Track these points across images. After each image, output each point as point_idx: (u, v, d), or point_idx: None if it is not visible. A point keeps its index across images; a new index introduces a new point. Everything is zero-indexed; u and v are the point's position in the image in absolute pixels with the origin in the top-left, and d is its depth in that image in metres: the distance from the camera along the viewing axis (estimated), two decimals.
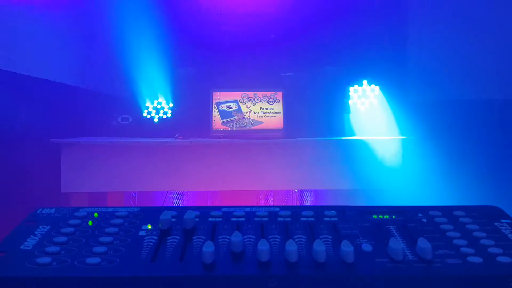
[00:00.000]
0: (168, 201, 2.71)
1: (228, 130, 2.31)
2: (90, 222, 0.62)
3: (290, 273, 0.51)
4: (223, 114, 2.34)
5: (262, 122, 2.33)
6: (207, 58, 2.56)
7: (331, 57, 2.51)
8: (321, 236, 0.59)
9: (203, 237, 0.58)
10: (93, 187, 1.99)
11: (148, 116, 2.25)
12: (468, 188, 2.15)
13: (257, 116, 2.34)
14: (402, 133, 2.17)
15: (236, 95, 2.36)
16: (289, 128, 2.33)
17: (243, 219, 0.64)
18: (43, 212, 0.66)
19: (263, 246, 0.52)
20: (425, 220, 0.63)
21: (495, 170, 2.29)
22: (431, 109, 2.38)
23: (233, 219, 0.64)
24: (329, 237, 0.59)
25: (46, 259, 0.52)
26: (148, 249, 0.56)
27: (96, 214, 0.65)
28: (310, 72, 2.54)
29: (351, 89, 2.30)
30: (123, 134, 2.20)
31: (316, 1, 2.62)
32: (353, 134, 2.23)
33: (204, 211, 0.65)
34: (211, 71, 2.55)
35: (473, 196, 2.11)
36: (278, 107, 2.35)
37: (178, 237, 0.58)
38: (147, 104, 2.28)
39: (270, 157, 2.02)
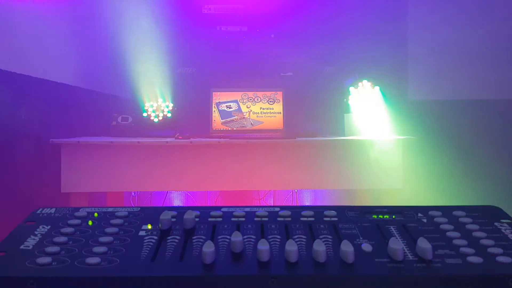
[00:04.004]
0: (168, 201, 2.71)
1: (228, 130, 2.31)
2: (90, 222, 0.62)
3: (290, 273, 0.51)
4: (223, 114, 2.34)
5: (262, 122, 2.34)
6: (207, 58, 2.56)
7: (331, 57, 2.51)
8: (321, 236, 0.59)
9: (203, 237, 0.58)
10: (93, 187, 1.99)
11: (148, 116, 2.25)
12: (468, 188, 2.15)
13: (257, 116, 2.34)
14: (402, 133, 2.17)
15: (236, 95, 2.36)
16: (289, 128, 2.33)
17: (243, 219, 0.64)
18: (43, 212, 0.66)
19: (263, 246, 0.52)
20: (425, 220, 0.63)
21: (495, 170, 2.29)
22: (431, 109, 2.38)
23: (233, 219, 0.64)
24: (329, 237, 0.59)
25: (46, 259, 0.52)
26: (148, 249, 0.56)
27: (96, 214, 0.65)
28: (310, 72, 2.54)
29: (351, 89, 2.30)
30: (123, 134, 2.20)
31: (316, 1, 2.62)
32: (353, 134, 2.23)
33: (204, 211, 0.65)
34: (211, 71, 2.55)
35: (473, 196, 2.11)
36: (278, 107, 2.35)
37: (178, 237, 0.58)
38: (147, 104, 2.28)
39: (270, 157, 2.02)
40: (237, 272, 0.51)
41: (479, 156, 2.30)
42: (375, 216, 0.64)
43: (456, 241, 0.57)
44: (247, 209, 0.66)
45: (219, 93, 2.37)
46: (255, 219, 0.64)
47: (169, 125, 2.25)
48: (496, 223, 0.62)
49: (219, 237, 0.58)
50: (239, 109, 2.35)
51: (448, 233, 0.59)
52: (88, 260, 0.52)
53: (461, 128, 2.32)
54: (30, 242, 0.57)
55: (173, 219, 0.62)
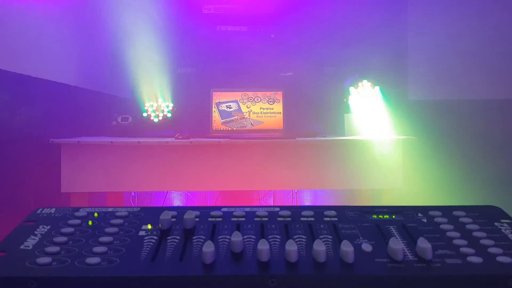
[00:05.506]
0: (168, 201, 2.71)
1: (228, 130, 2.31)
2: (90, 222, 0.62)
3: (290, 273, 0.51)
4: (223, 114, 2.34)
5: (262, 122, 2.34)
6: (207, 58, 2.56)
7: (331, 57, 2.51)
8: (321, 236, 0.59)
9: (203, 237, 0.58)
10: (93, 187, 1.99)
11: (148, 116, 2.25)
12: (468, 188, 2.15)
13: (257, 116, 2.34)
14: (402, 133, 2.17)
15: (236, 95, 2.36)
16: (289, 128, 2.33)
17: (243, 219, 0.64)
18: (43, 212, 0.66)
19: (263, 246, 0.52)
20: (425, 220, 0.63)
21: (495, 170, 2.29)
22: (431, 109, 2.39)
23: (233, 219, 0.64)
24: (329, 237, 0.59)
25: (46, 259, 0.52)
26: (148, 249, 0.56)
27: (96, 214, 0.65)
28: (310, 72, 2.53)
29: (351, 89, 2.30)
30: (123, 134, 2.20)
31: (316, 1, 2.62)
32: (353, 134, 2.23)
33: (204, 211, 0.65)
34: (211, 71, 2.55)
35: (473, 196, 2.11)
36: (278, 107, 2.35)
37: (178, 237, 0.58)
38: (147, 104, 2.28)
39: (270, 157, 2.02)
40: (237, 272, 0.51)
41: (479, 156, 2.30)
42: (375, 216, 0.64)
43: (456, 241, 0.57)
44: (247, 209, 0.66)
45: (219, 93, 2.37)
46: (255, 219, 0.64)
47: (169, 125, 2.25)
48: (496, 223, 0.62)
49: (219, 237, 0.58)
50: (239, 109, 2.35)
51: (448, 233, 0.59)
52: (88, 260, 0.52)
53: (461, 128, 2.33)
54: (30, 242, 0.57)
55: (173, 219, 0.62)
